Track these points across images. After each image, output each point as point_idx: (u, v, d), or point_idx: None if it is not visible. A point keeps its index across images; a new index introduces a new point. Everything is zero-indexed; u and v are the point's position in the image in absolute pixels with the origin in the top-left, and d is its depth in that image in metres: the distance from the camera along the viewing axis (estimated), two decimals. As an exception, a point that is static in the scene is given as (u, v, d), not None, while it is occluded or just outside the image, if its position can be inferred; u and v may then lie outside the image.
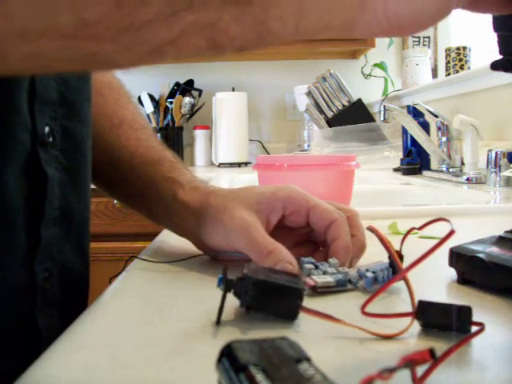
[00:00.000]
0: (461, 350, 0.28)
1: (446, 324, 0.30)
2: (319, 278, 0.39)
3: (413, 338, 0.31)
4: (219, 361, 0.22)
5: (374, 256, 0.43)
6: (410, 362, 0.20)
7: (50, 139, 0.46)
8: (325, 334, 0.31)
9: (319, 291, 0.39)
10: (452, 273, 0.41)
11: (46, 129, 0.46)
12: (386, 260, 0.40)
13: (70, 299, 0.50)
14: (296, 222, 0.47)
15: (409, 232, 0.39)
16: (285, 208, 0.46)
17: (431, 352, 0.21)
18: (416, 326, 0.32)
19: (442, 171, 1.38)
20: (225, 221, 0.46)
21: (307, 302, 0.34)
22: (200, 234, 0.49)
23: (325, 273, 0.40)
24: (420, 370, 0.21)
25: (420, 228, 0.37)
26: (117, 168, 0.57)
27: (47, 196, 0.45)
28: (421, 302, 0.31)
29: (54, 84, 0.47)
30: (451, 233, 0.30)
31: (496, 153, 1.15)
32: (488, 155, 1.17)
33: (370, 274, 0.39)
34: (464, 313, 0.30)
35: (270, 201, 0.46)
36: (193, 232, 0.50)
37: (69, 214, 0.49)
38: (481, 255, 0.38)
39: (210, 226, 0.47)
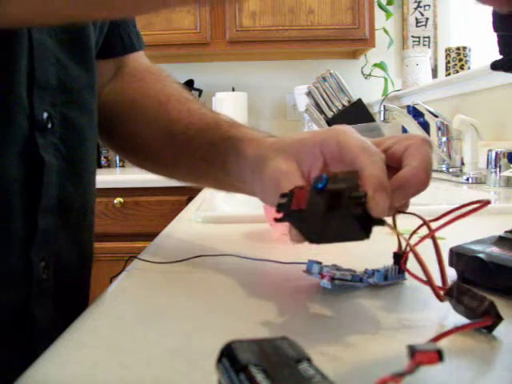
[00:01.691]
0: (461, 350, 0.28)
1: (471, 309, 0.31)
2: (334, 271, 0.40)
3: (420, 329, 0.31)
4: (219, 361, 0.22)
5: (376, 256, 0.43)
6: (418, 365, 0.20)
7: (49, 125, 0.46)
8: (325, 334, 0.31)
9: (337, 283, 0.39)
10: (452, 273, 0.41)
11: (45, 114, 0.45)
12: (387, 263, 0.41)
13: (66, 290, 0.50)
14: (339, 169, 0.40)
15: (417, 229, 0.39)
16: (323, 153, 0.40)
17: (439, 353, 0.21)
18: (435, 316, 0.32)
19: (442, 171, 1.38)
20: (262, 172, 0.42)
21: (324, 299, 0.33)
22: (255, 190, 0.44)
23: (337, 270, 0.41)
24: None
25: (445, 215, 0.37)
26: (173, 144, 0.55)
27: (44, 183, 0.45)
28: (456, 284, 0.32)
29: (53, 70, 0.47)
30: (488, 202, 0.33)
31: (496, 153, 1.15)
32: (488, 155, 1.17)
33: (381, 269, 0.40)
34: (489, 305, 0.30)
35: (308, 147, 0.41)
36: (252, 189, 0.46)
37: (66, 203, 0.49)
38: (481, 255, 0.38)
39: (256, 179, 0.44)
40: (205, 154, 0.51)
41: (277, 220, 0.33)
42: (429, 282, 0.33)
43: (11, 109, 0.43)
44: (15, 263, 0.44)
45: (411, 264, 0.40)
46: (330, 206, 0.31)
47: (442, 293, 0.33)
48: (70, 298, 0.50)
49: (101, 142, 0.63)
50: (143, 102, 0.58)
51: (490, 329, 0.30)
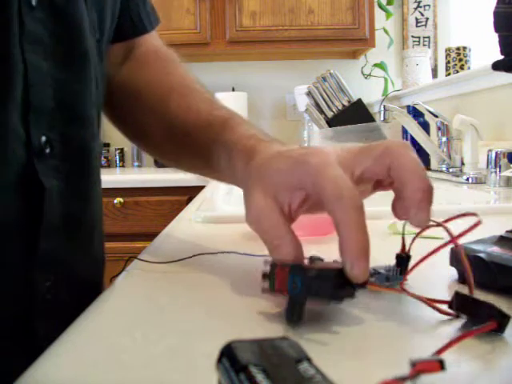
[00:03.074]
0: (462, 349, 0.28)
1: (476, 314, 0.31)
2: None
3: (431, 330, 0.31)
4: (219, 361, 0.22)
5: (375, 256, 0.43)
6: (420, 372, 0.20)
7: (47, 150, 0.45)
8: (325, 334, 0.31)
9: None
10: (453, 272, 0.41)
11: (43, 138, 0.44)
12: (387, 263, 0.40)
13: (81, 308, 0.50)
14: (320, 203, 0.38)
15: (420, 232, 0.39)
16: (302, 188, 0.38)
17: (441, 363, 0.21)
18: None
19: (442, 171, 1.38)
20: (245, 203, 0.41)
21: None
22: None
23: None
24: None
25: (445, 222, 0.37)
26: (174, 138, 0.55)
27: (44, 206, 0.44)
28: (457, 294, 0.32)
29: (50, 92, 0.45)
30: (477, 223, 0.33)
31: (496, 153, 1.15)
32: (488, 155, 1.17)
33: (382, 271, 0.40)
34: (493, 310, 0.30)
35: (287, 181, 0.39)
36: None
37: (73, 222, 0.48)
38: (482, 255, 0.38)
39: (243, 193, 0.43)
40: (200, 152, 0.52)
41: (264, 291, 0.35)
42: (430, 305, 0.33)
43: (5, 138, 0.41)
44: (15, 285, 0.43)
45: (410, 274, 0.40)
46: (309, 295, 0.32)
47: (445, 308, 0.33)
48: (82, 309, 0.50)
49: (118, 130, 0.65)
50: (146, 93, 0.58)
51: (501, 330, 0.30)
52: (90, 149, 0.51)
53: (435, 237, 0.50)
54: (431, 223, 0.36)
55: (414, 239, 0.40)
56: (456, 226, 0.36)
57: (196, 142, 0.52)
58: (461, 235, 0.34)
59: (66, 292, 0.47)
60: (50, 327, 0.45)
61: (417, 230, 0.38)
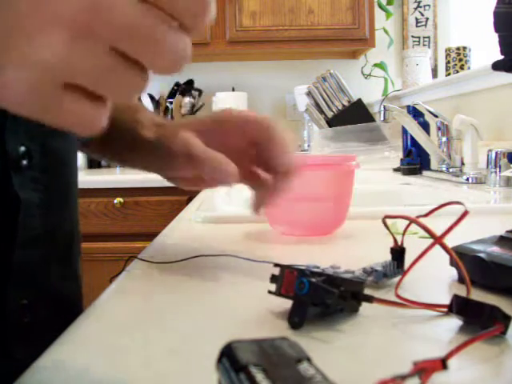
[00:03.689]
0: (465, 352, 0.28)
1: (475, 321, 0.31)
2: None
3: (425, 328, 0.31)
4: (219, 361, 0.22)
5: (375, 255, 0.43)
6: (421, 370, 0.20)
7: (25, 161, 0.44)
8: (325, 335, 0.31)
9: None
10: (453, 272, 0.41)
11: (22, 148, 0.43)
12: (383, 260, 0.40)
13: (59, 325, 0.49)
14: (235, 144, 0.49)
15: (409, 225, 0.39)
16: (220, 125, 0.50)
17: (443, 362, 0.21)
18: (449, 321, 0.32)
19: (442, 171, 1.38)
20: (167, 145, 0.47)
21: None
22: (159, 166, 0.51)
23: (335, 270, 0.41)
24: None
25: (427, 214, 0.37)
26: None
27: (20, 219, 0.43)
28: (456, 297, 0.32)
29: None
30: (465, 213, 0.33)
31: (496, 153, 1.15)
32: (488, 155, 1.16)
33: (379, 268, 0.40)
34: (493, 312, 0.30)
35: (207, 122, 0.50)
36: (156, 165, 0.52)
37: (53, 230, 0.48)
38: (482, 255, 0.38)
39: (156, 155, 0.49)
40: (121, 133, 0.52)
41: (270, 292, 0.35)
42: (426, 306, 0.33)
43: None
44: None
45: (407, 281, 0.40)
46: (314, 304, 0.32)
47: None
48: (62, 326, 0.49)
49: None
50: None
51: (504, 331, 0.30)
52: (70, 157, 0.51)
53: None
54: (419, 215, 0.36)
55: (405, 230, 0.40)
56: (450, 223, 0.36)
57: (116, 129, 0.52)
58: (447, 232, 0.34)
59: (45, 310, 0.46)
60: (29, 349, 0.44)
61: (418, 231, 0.38)
